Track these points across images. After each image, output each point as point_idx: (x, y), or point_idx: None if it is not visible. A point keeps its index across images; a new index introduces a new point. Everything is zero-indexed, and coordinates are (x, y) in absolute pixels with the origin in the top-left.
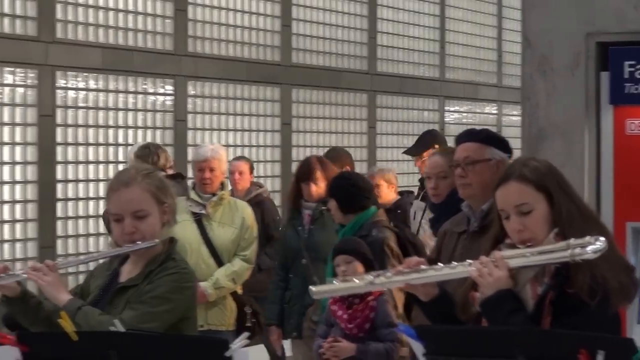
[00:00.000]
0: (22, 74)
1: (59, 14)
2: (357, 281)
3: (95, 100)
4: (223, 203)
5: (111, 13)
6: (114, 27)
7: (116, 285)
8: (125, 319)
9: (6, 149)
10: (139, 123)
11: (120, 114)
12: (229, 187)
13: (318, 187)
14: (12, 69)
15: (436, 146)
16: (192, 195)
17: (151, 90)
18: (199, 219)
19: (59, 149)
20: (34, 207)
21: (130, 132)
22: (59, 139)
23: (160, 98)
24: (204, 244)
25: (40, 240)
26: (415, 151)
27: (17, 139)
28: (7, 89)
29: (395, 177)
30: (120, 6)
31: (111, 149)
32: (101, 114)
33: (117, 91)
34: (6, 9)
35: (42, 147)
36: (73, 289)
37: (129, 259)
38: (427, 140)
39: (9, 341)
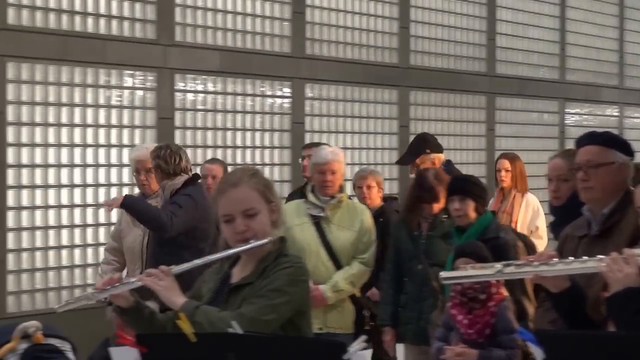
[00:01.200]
0: (142, 77)
1: (177, 17)
2: (486, 269)
3: (214, 103)
4: (342, 206)
5: (229, 16)
6: (232, 30)
7: (229, 286)
8: (245, 313)
9: (125, 151)
10: (257, 125)
11: (238, 116)
12: (346, 190)
13: (440, 204)
14: (132, 71)
15: (427, 151)
16: (311, 197)
17: (269, 93)
18: (317, 222)
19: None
20: None
21: (248, 134)
22: (177, 141)
23: (278, 100)
24: (323, 247)
25: None
26: (407, 160)
27: (137, 141)
28: (126, 92)
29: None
30: (239, 9)
31: (229, 151)
32: (219, 116)
33: (235, 94)
34: (126, 12)
35: None
36: (186, 295)
37: (239, 261)
38: (419, 146)
39: (128, 342)
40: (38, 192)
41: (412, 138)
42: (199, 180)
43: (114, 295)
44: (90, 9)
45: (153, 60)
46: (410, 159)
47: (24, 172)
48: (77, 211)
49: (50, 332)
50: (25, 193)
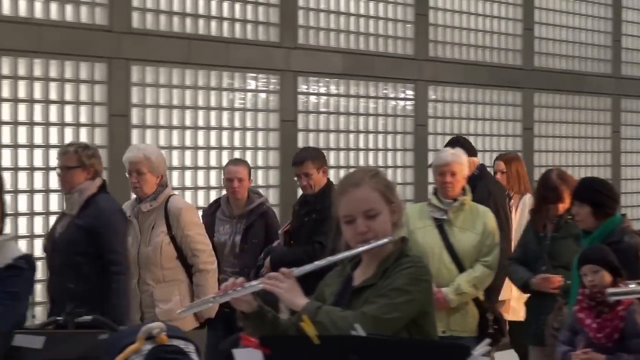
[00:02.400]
0: (265, 80)
1: (300, 20)
2: None
3: (336, 105)
4: (465, 208)
5: (352, 18)
6: (355, 33)
7: (352, 289)
8: (367, 312)
9: (249, 153)
10: (380, 128)
11: (361, 119)
12: (470, 193)
13: (565, 204)
14: (255, 74)
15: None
16: (434, 200)
17: (392, 95)
18: (440, 225)
19: None
20: (278, 211)
21: (371, 137)
22: (300, 144)
23: (401, 103)
24: (446, 250)
25: None
26: None
27: (260, 144)
28: (249, 95)
29: None
30: (362, 11)
31: (352, 154)
32: (342, 119)
33: (357, 96)
34: (249, 15)
35: (284, 152)
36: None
37: (360, 263)
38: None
39: (252, 344)
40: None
41: (535, 140)
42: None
43: (235, 299)
44: (213, 12)
45: (276, 63)
46: None
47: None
48: (200, 213)
49: (174, 334)
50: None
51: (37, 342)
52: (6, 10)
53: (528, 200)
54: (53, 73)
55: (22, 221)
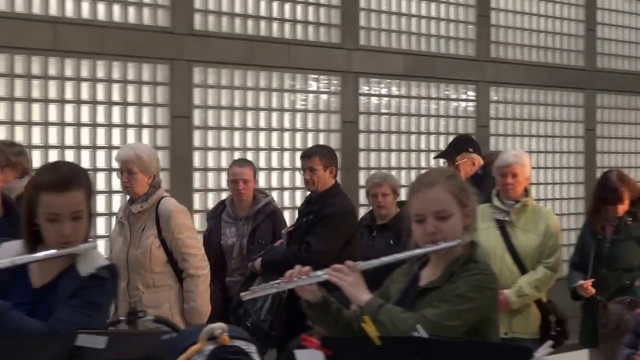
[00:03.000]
0: (326, 81)
1: (362, 22)
2: None
3: (398, 107)
4: (527, 210)
5: (413, 20)
6: (417, 34)
7: (417, 289)
8: (428, 316)
9: None
10: (441, 129)
11: (422, 120)
12: (532, 194)
13: (624, 206)
14: (316, 75)
15: (470, 150)
16: (496, 202)
17: (453, 96)
18: (502, 226)
19: (361, 155)
20: None
21: (432, 138)
22: (361, 145)
23: (462, 104)
24: (508, 251)
25: None
26: (449, 155)
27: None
28: (311, 96)
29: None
30: (423, 13)
31: (413, 155)
32: (403, 120)
33: (419, 97)
34: (311, 17)
35: (345, 153)
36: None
37: (428, 263)
38: (463, 144)
39: (313, 345)
40: (224, 196)
41: (598, 141)
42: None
43: (300, 288)
44: (275, 13)
45: (337, 64)
46: (452, 154)
47: (210, 175)
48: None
49: (236, 334)
50: (211, 196)
51: (99, 342)
52: (69, 12)
53: None
54: (115, 75)
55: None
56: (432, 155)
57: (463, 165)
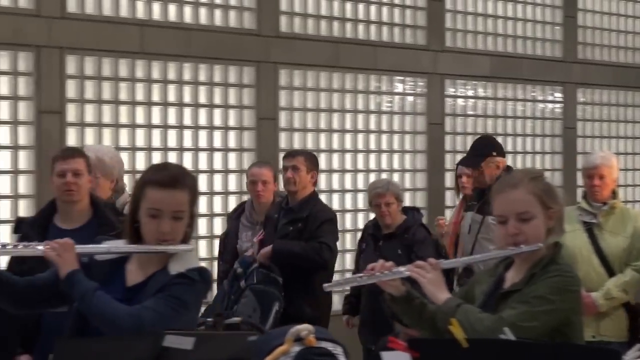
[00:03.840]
0: (412, 83)
1: (448, 23)
2: None
3: (484, 108)
4: (615, 212)
5: (500, 21)
6: (503, 35)
7: (500, 291)
8: (505, 317)
9: (396, 156)
10: (527, 130)
11: (509, 121)
12: (620, 196)
13: None
14: (402, 77)
15: (494, 153)
16: (583, 204)
17: (540, 98)
18: (589, 228)
19: (448, 157)
20: (423, 213)
21: (519, 139)
22: (447, 146)
23: (549, 105)
24: (595, 254)
25: None
26: (474, 162)
27: (407, 146)
28: (397, 98)
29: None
30: (509, 14)
31: None
32: (489, 121)
33: (505, 99)
34: (396, 18)
35: (432, 154)
36: (457, 294)
37: (513, 265)
38: (486, 148)
39: (400, 347)
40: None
41: None
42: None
43: (384, 282)
44: (361, 15)
45: (423, 66)
46: (478, 161)
47: (322, 176)
48: (348, 216)
49: (323, 336)
50: (335, 196)
51: (187, 343)
52: (156, 15)
53: None
54: (202, 77)
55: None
56: (519, 157)
57: (488, 170)
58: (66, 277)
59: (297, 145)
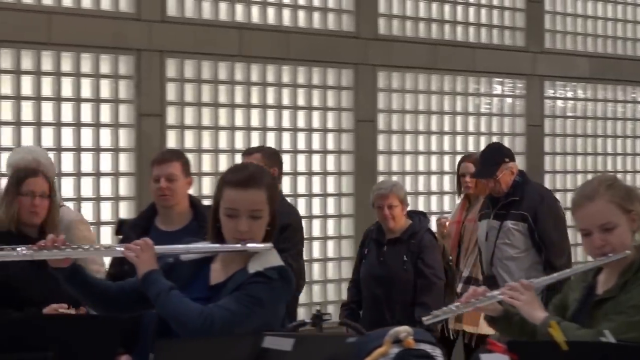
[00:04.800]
0: (511, 85)
1: (547, 24)
2: None
3: (583, 110)
4: None
5: (599, 22)
6: (603, 36)
7: (593, 298)
8: (603, 331)
9: None
10: (628, 132)
11: (609, 123)
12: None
13: None
14: (501, 79)
15: (506, 160)
16: None
17: None
18: None
19: (547, 159)
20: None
21: (619, 141)
22: (546, 148)
23: None
24: None
25: None
26: (489, 172)
27: None
28: (495, 99)
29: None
30: (609, 15)
31: (599, 159)
32: (589, 123)
33: (605, 100)
34: (495, 20)
35: (530, 156)
36: (553, 302)
37: (602, 271)
38: (498, 156)
39: (499, 349)
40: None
41: None
42: None
43: (480, 306)
44: (459, 17)
45: (522, 68)
46: (493, 170)
47: (393, 179)
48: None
49: (421, 337)
50: None
51: (286, 344)
52: (255, 18)
53: None
54: (301, 79)
55: None
56: (619, 158)
57: (504, 177)
58: (143, 277)
59: (395, 147)
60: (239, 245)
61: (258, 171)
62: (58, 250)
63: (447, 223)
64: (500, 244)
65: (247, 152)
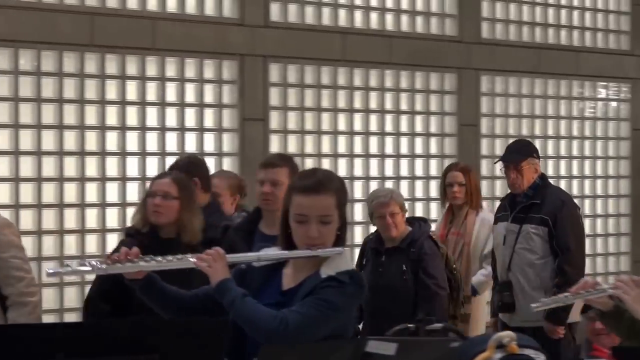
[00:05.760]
0: (615, 88)
1: None
2: None
3: None
4: None
5: None
6: None
7: None
8: None
9: (599, 163)
10: None
11: None
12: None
13: None
14: (605, 83)
15: (534, 155)
16: None
17: None
18: None
19: None
20: (627, 221)
21: None
22: None
23: None
24: None
25: (633, 255)
26: (514, 159)
27: (610, 152)
28: (600, 103)
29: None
30: None
31: None
32: None
33: None
34: (599, 23)
35: (635, 160)
36: None
37: None
38: (527, 149)
39: (604, 354)
40: None
41: None
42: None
43: (590, 299)
44: (563, 20)
45: (627, 71)
46: (519, 159)
47: (497, 184)
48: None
49: (525, 343)
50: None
51: (389, 349)
52: (358, 23)
53: (487, 216)
54: (403, 84)
55: None
56: None
57: (527, 171)
58: (216, 286)
59: (498, 152)
60: (309, 250)
61: (326, 176)
62: (131, 264)
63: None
64: (519, 249)
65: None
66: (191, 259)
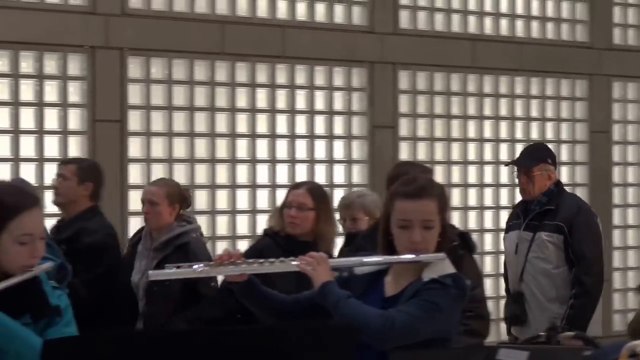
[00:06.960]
0: None
1: None
2: None
3: None
4: None
5: None
6: None
7: None
8: None
9: None
10: None
11: None
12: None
13: None
14: None
15: (549, 161)
16: None
17: None
18: None
19: None
20: None
21: None
22: None
23: None
24: None
25: None
26: (527, 162)
27: None
28: None
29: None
30: None
31: None
32: None
33: None
34: None
35: None
36: None
37: None
38: (541, 153)
39: None
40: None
41: None
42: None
43: None
44: None
45: None
46: (530, 163)
47: (630, 191)
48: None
49: None
50: (630, 212)
51: (521, 357)
52: (488, 29)
53: None
54: (534, 90)
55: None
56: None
57: (539, 177)
58: (320, 288)
59: (630, 159)
60: (412, 256)
61: (428, 182)
62: (234, 267)
63: None
64: (532, 257)
65: (63, 162)
66: (294, 263)
